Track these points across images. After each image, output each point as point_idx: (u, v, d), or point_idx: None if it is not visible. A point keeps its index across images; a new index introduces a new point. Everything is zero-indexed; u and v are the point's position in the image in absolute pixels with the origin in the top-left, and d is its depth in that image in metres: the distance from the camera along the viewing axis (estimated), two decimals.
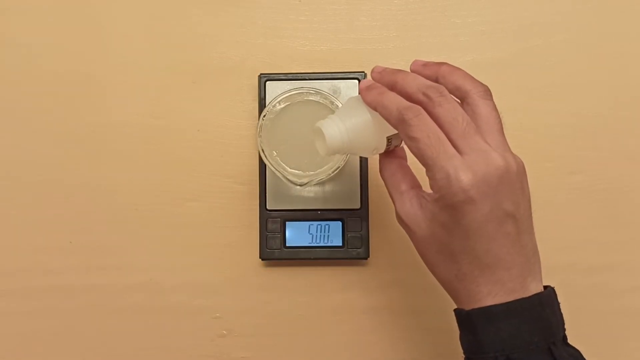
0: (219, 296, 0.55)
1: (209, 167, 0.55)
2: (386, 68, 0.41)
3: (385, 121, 0.39)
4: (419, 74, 0.40)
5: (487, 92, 0.40)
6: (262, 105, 0.53)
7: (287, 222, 0.53)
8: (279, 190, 0.53)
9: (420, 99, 0.38)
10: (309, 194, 0.53)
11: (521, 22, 0.55)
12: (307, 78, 0.53)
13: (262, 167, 0.53)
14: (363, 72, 0.53)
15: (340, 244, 0.53)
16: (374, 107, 0.39)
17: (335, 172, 0.48)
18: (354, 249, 0.53)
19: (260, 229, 0.53)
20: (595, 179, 0.54)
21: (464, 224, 0.36)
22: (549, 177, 0.54)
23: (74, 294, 0.55)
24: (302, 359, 0.55)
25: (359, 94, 0.41)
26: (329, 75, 0.53)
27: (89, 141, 0.56)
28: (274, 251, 0.53)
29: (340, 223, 0.53)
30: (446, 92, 0.38)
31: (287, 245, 0.53)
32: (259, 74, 0.54)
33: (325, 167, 0.48)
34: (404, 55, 0.55)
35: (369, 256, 0.53)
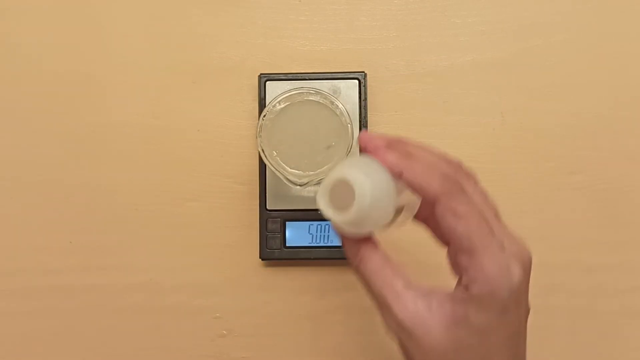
0: (219, 296, 0.55)
1: (209, 167, 0.55)
2: (380, 135, 0.35)
3: (392, 191, 0.32)
4: (380, 154, 0.33)
5: (465, 171, 0.35)
6: (262, 105, 0.53)
7: (287, 222, 0.53)
8: (279, 190, 0.53)
9: (449, 174, 0.33)
10: (309, 194, 0.53)
11: (521, 22, 0.55)
12: (307, 78, 0.53)
13: (262, 167, 0.53)
14: (363, 72, 0.53)
15: (341, 244, 0.53)
16: (400, 169, 0.32)
17: None
18: None
19: (260, 229, 0.53)
20: (595, 179, 0.54)
21: (510, 324, 0.31)
22: (549, 177, 0.54)
23: (74, 294, 0.55)
24: (302, 359, 0.55)
25: (364, 150, 0.34)
26: (329, 75, 0.53)
27: (89, 141, 0.56)
28: (274, 251, 0.53)
29: None
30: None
31: (287, 245, 0.53)
32: (259, 74, 0.54)
33: (325, 167, 0.48)
34: (404, 55, 0.55)
35: None
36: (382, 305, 0.33)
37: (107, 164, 0.55)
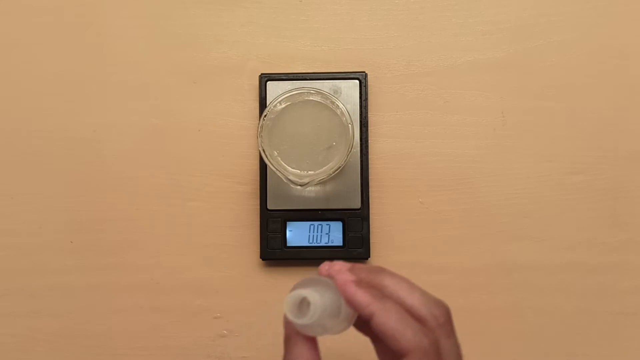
0: (219, 296, 0.55)
1: (210, 167, 0.55)
2: (348, 265, 0.34)
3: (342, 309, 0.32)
4: (349, 295, 0.32)
5: (451, 326, 0.33)
6: (263, 105, 0.53)
7: (287, 222, 0.53)
8: (279, 190, 0.53)
9: (427, 320, 0.32)
10: (310, 194, 0.53)
11: (521, 22, 0.55)
12: (307, 78, 0.53)
13: (263, 167, 0.53)
14: (364, 72, 0.53)
15: (341, 244, 0.53)
16: (371, 311, 0.31)
17: (335, 172, 0.48)
18: (354, 249, 0.53)
19: (261, 229, 0.53)
20: (595, 179, 0.54)
21: None
22: (549, 177, 0.55)
23: (74, 294, 0.55)
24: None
25: (330, 277, 0.34)
26: (330, 75, 0.53)
27: (89, 141, 0.56)
28: (275, 251, 0.53)
29: (340, 223, 0.53)
30: (450, 315, 0.33)
31: (287, 245, 0.53)
32: (259, 74, 0.54)
33: (325, 167, 0.48)
34: (405, 56, 0.55)
35: (369, 256, 0.53)
36: None
37: (107, 164, 0.55)
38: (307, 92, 0.48)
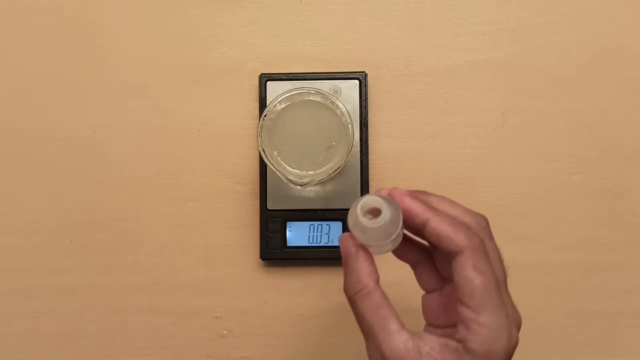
0: (219, 296, 0.55)
1: (210, 167, 0.55)
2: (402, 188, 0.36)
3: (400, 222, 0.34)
4: (406, 205, 0.34)
5: (491, 231, 0.36)
6: (262, 105, 0.53)
7: (287, 222, 0.53)
8: (279, 190, 0.53)
9: (471, 226, 0.34)
10: (310, 194, 0.53)
11: (521, 22, 0.55)
12: (307, 78, 0.53)
13: (263, 167, 0.53)
14: (364, 72, 0.53)
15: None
16: (427, 217, 0.33)
17: (335, 172, 0.48)
18: None
19: (261, 229, 0.53)
20: (595, 179, 0.54)
21: None
22: (549, 177, 0.55)
23: (74, 294, 0.55)
24: (302, 359, 0.55)
25: (390, 196, 0.35)
26: (330, 75, 0.53)
27: (89, 141, 0.56)
28: (275, 251, 0.53)
29: (340, 223, 0.53)
30: (489, 223, 0.35)
31: (287, 245, 0.53)
32: (259, 74, 0.54)
33: (325, 167, 0.48)
34: (405, 55, 0.55)
35: None
36: (371, 340, 0.33)
37: (107, 164, 0.55)
38: (307, 92, 0.48)
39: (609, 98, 0.55)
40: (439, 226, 0.33)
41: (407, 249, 0.37)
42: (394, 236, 0.34)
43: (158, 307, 0.55)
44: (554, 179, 0.55)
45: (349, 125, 0.48)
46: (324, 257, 0.53)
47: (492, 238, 0.35)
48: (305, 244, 0.53)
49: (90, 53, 0.56)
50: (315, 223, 0.53)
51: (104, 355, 0.55)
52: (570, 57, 0.55)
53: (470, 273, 0.32)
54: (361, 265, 0.34)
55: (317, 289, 0.55)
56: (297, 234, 0.53)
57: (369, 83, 0.54)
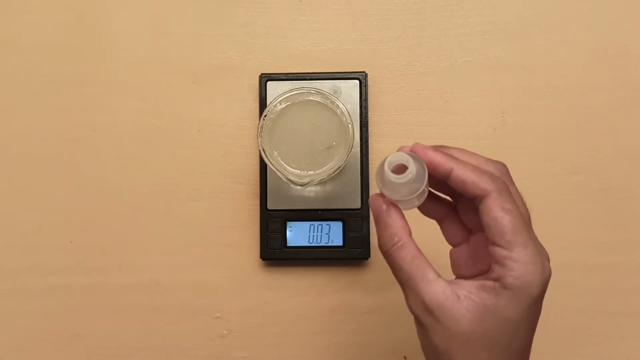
0: (219, 296, 0.55)
1: (210, 167, 0.55)
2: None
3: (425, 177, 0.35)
4: (429, 157, 0.36)
5: (511, 176, 0.37)
6: (262, 105, 0.53)
7: (287, 222, 0.53)
8: (279, 190, 0.53)
9: (493, 172, 0.35)
10: (310, 194, 0.53)
11: (521, 22, 0.55)
12: (307, 78, 0.53)
13: (263, 167, 0.53)
14: (364, 72, 0.53)
15: (341, 244, 0.53)
16: (450, 166, 0.35)
17: (336, 172, 0.48)
18: (354, 249, 0.53)
19: (261, 229, 0.53)
20: (595, 179, 0.54)
21: (534, 316, 0.34)
22: (549, 177, 0.55)
23: (74, 294, 0.55)
24: (302, 359, 0.55)
25: (413, 152, 0.36)
26: (330, 76, 0.53)
27: (89, 141, 0.56)
28: (275, 251, 0.53)
29: (340, 223, 0.53)
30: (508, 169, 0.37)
31: (287, 245, 0.53)
32: (259, 74, 0.54)
33: (325, 167, 0.48)
34: (405, 56, 0.55)
35: (369, 256, 0.53)
36: (410, 289, 0.35)
37: (107, 164, 0.55)
38: (307, 92, 0.48)
39: (609, 98, 0.55)
40: (462, 173, 0.34)
41: (433, 205, 0.39)
42: (419, 191, 0.35)
43: (158, 307, 0.55)
44: (554, 179, 0.55)
45: (349, 125, 0.48)
46: (324, 257, 0.53)
47: (513, 182, 0.36)
48: (305, 244, 0.53)
49: (90, 53, 0.56)
50: (315, 223, 0.53)
51: (104, 356, 0.55)
52: (570, 57, 0.55)
53: (498, 213, 0.33)
54: (394, 219, 0.36)
55: (317, 289, 0.55)
56: (297, 234, 0.53)
57: (369, 83, 0.54)
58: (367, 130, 0.53)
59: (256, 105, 0.54)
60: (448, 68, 0.55)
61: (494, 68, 0.55)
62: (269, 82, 0.53)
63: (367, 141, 0.53)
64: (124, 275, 0.55)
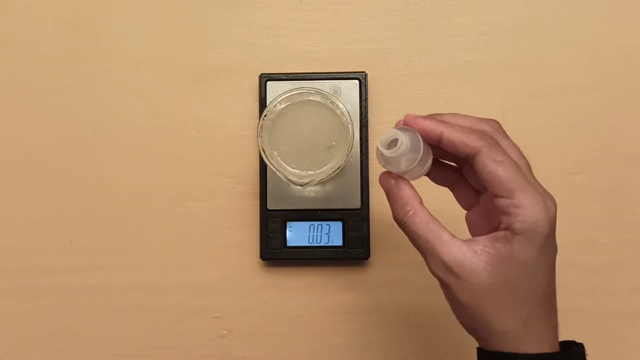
0: (219, 296, 0.55)
1: (210, 167, 0.55)
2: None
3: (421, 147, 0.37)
4: (420, 125, 0.37)
5: (504, 131, 0.38)
6: (262, 105, 0.53)
7: (287, 222, 0.53)
8: (279, 190, 0.53)
9: (484, 130, 0.37)
10: (310, 194, 0.53)
11: (521, 22, 0.55)
12: (307, 78, 0.53)
13: (263, 167, 0.53)
14: (364, 72, 0.53)
15: (341, 244, 0.53)
16: (440, 130, 0.36)
17: (335, 172, 0.48)
18: (354, 249, 0.53)
19: (261, 229, 0.53)
20: (595, 179, 0.54)
21: (549, 256, 0.36)
22: (549, 177, 0.54)
23: (74, 294, 0.55)
24: (302, 359, 0.55)
25: (405, 124, 0.38)
26: (330, 76, 0.53)
27: (89, 141, 0.56)
28: (275, 251, 0.53)
29: (340, 223, 0.53)
30: (501, 125, 0.38)
31: (287, 245, 0.53)
32: (259, 74, 0.54)
33: (325, 167, 0.48)
34: (405, 56, 0.55)
35: (369, 256, 0.53)
36: (429, 253, 0.36)
37: (107, 164, 0.55)
38: (307, 92, 0.48)
39: (609, 98, 0.55)
40: (452, 135, 0.36)
41: (441, 173, 0.41)
42: (418, 159, 0.37)
43: (158, 307, 0.55)
44: (554, 179, 0.54)
45: (349, 125, 0.48)
46: (324, 257, 0.53)
47: (507, 136, 0.38)
48: (305, 244, 0.53)
49: (91, 53, 0.56)
50: (315, 223, 0.53)
51: (104, 355, 0.55)
52: (570, 57, 0.55)
53: (491, 166, 0.34)
54: (403, 191, 0.38)
55: (317, 289, 0.55)
56: (297, 234, 0.53)
57: (369, 83, 0.54)
58: (367, 130, 0.53)
59: (256, 105, 0.54)
60: (448, 68, 0.55)
61: (494, 68, 0.55)
62: (269, 82, 0.53)
63: (367, 141, 0.53)
64: (124, 275, 0.55)
